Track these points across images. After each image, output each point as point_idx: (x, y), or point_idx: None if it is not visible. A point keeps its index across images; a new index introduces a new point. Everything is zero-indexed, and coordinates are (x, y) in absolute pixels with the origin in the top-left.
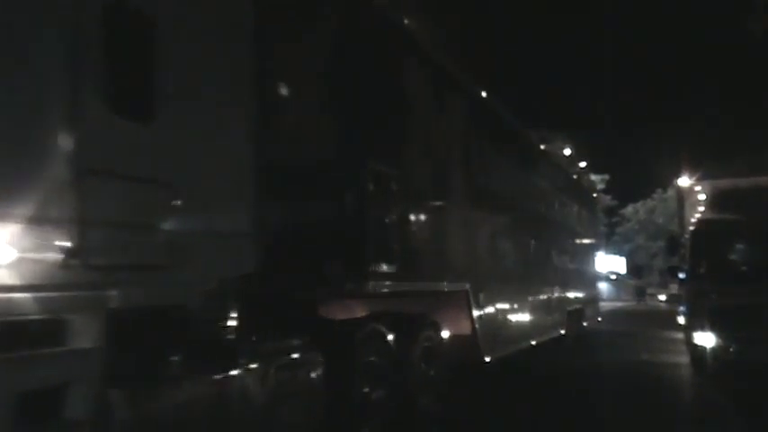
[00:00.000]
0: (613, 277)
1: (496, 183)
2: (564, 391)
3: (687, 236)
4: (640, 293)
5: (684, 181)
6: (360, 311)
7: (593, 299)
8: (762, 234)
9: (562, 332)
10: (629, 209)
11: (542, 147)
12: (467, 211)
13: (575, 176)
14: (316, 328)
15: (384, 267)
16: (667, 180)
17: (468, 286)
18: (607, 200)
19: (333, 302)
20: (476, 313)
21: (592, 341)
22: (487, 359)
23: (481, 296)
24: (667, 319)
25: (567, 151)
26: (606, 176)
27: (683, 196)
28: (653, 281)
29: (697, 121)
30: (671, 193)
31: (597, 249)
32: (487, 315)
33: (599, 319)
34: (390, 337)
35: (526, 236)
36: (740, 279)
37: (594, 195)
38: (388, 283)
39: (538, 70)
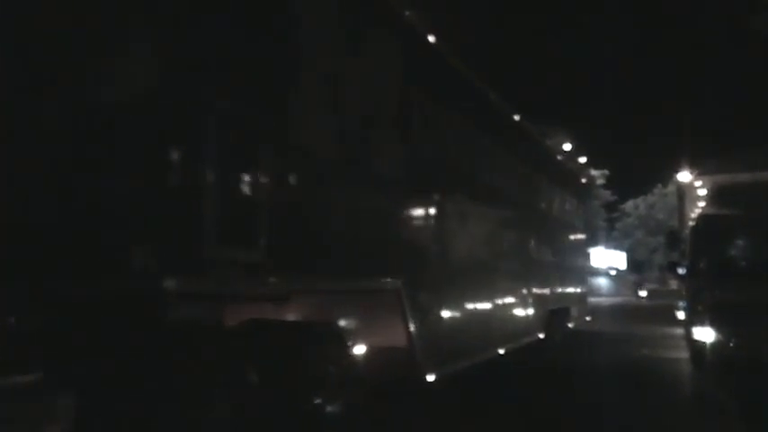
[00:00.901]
0: (613, 273)
1: (451, 152)
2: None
3: (687, 231)
4: (637, 289)
5: (685, 176)
6: (192, 321)
7: (582, 296)
8: (762, 230)
9: (541, 336)
10: (629, 204)
11: (516, 117)
12: (402, 186)
13: (560, 158)
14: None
15: (238, 255)
16: (667, 176)
17: (400, 283)
18: (607, 195)
19: (137, 308)
20: (413, 318)
21: (575, 345)
22: (431, 377)
23: (422, 295)
24: (665, 315)
25: (568, 146)
26: (606, 172)
27: (683, 192)
28: (652, 276)
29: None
30: (671, 188)
31: (588, 241)
32: (432, 320)
33: (587, 318)
34: (243, 360)
35: (491, 221)
36: (740, 275)
37: (585, 182)
38: (249, 278)
39: (537, 65)
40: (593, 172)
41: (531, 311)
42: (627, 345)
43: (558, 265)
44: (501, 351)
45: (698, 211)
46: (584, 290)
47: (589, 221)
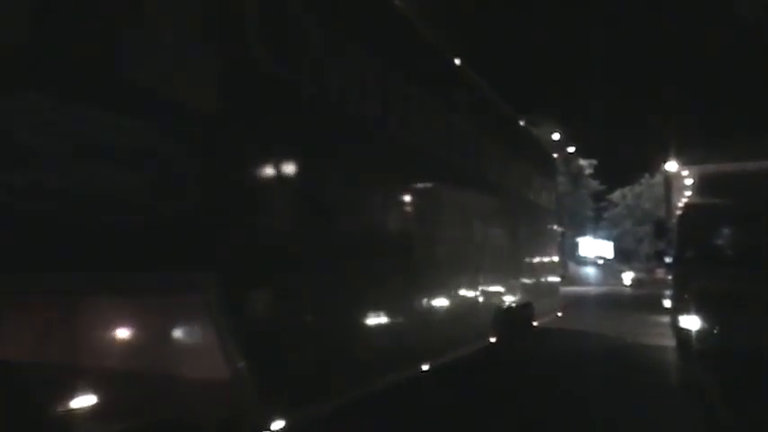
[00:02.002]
0: (600, 262)
1: (328, 78)
2: None
3: (674, 220)
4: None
5: (672, 166)
6: None
7: (550, 288)
8: (747, 219)
9: (491, 340)
10: (617, 194)
11: (458, 62)
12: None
13: (521, 123)
14: None
15: None
16: (654, 165)
17: (212, 280)
18: (595, 185)
19: None
20: (238, 332)
21: (537, 349)
22: (277, 426)
23: (257, 297)
24: (652, 304)
25: (556, 136)
26: (594, 162)
27: (670, 181)
28: (639, 265)
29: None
30: (658, 178)
31: (556, 224)
32: (278, 333)
33: (559, 314)
34: None
35: (401, 190)
36: (726, 263)
37: (554, 156)
38: None
39: (526, 54)
40: (582, 162)
41: (474, 311)
42: (602, 348)
43: (517, 251)
44: (424, 367)
45: (684, 200)
46: (553, 280)
47: (555, 199)
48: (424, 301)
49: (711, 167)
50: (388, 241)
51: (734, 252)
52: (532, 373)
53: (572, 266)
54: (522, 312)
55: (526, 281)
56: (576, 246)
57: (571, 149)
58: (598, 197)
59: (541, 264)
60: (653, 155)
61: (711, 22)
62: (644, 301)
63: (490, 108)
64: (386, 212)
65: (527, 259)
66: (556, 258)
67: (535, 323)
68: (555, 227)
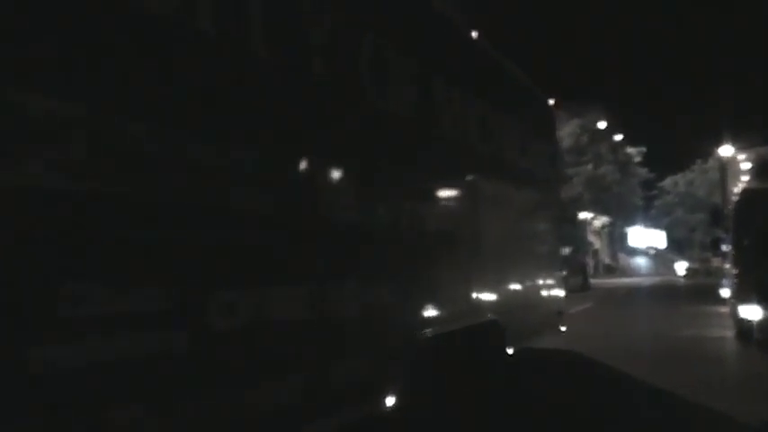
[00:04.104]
0: (652, 252)
1: None
2: None
3: (730, 207)
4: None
5: (726, 150)
6: None
7: (544, 296)
8: None
9: (387, 402)
10: (668, 181)
11: None
12: None
13: (508, 71)
14: None
15: None
16: (707, 151)
17: None
18: (644, 173)
19: None
20: None
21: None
22: None
23: None
24: (708, 295)
25: (603, 124)
26: (643, 149)
27: (725, 166)
28: (693, 255)
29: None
30: (711, 163)
31: (556, 207)
32: None
33: (561, 327)
34: None
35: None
36: None
37: (551, 105)
38: None
39: (574, 42)
40: (630, 149)
41: (363, 348)
42: (655, 346)
43: (473, 240)
44: None
45: (741, 185)
46: (550, 282)
47: (554, 175)
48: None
49: None
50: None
51: None
52: None
53: (622, 257)
54: (474, 340)
55: (491, 287)
56: (625, 236)
57: (618, 137)
58: (648, 185)
59: (527, 259)
60: (705, 140)
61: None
62: (699, 291)
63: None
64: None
65: (497, 253)
66: (556, 250)
67: (509, 350)
68: (554, 205)
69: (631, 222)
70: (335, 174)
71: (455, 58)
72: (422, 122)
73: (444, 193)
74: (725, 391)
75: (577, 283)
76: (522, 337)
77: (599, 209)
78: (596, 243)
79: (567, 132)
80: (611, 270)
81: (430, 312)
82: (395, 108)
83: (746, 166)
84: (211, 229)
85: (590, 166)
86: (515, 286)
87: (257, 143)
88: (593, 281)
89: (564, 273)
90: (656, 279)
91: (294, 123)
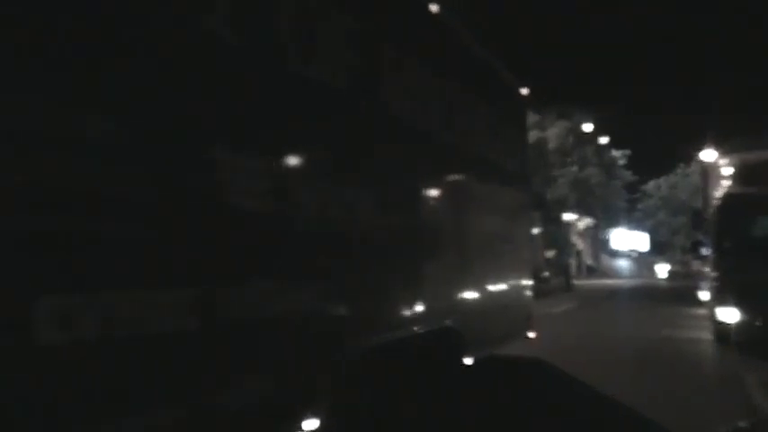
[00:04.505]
0: (634, 254)
1: None
2: None
3: (711, 211)
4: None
5: (708, 155)
6: None
7: (506, 300)
8: None
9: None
10: (651, 184)
11: None
12: None
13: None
14: None
15: None
16: (690, 155)
17: None
18: (628, 175)
19: None
20: None
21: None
22: None
23: None
24: (688, 297)
25: (589, 126)
26: (628, 152)
27: (707, 171)
28: (674, 257)
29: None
30: (694, 167)
31: (525, 202)
32: None
33: (531, 334)
34: None
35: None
36: (766, 254)
37: (524, 94)
38: None
39: (558, 44)
40: (615, 152)
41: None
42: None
43: (445, 242)
44: None
45: (722, 189)
46: (520, 285)
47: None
48: None
49: (751, 156)
50: None
51: None
52: None
53: (605, 259)
54: (423, 350)
55: (448, 290)
56: (609, 238)
57: (604, 140)
58: (632, 188)
59: (491, 259)
60: (688, 144)
61: (752, 7)
62: (679, 293)
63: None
64: None
65: (455, 251)
66: (526, 249)
67: (467, 360)
68: (524, 198)
69: (615, 224)
70: (236, 151)
71: (404, 22)
72: (359, 95)
73: (390, 178)
74: (699, 391)
75: (560, 283)
76: (484, 345)
77: (583, 211)
78: (580, 244)
79: (553, 134)
80: (592, 271)
81: (367, 318)
82: (322, 75)
83: (728, 170)
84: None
85: (575, 168)
86: (477, 289)
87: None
88: (575, 282)
89: (547, 274)
90: (638, 281)
91: (175, 86)
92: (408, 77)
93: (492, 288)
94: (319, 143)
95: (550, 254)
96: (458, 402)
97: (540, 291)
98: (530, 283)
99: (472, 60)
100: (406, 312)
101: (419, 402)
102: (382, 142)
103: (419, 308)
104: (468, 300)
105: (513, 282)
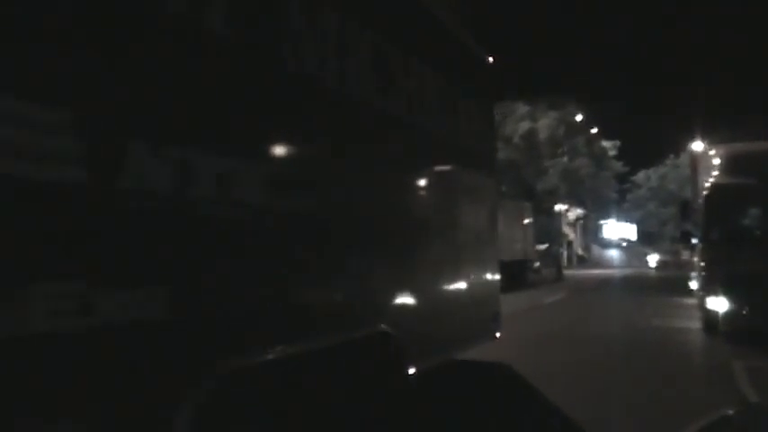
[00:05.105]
0: (624, 244)
1: None
2: None
3: (700, 201)
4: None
5: (698, 146)
6: None
7: (465, 298)
8: None
9: None
10: (641, 175)
11: None
12: None
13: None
14: None
15: None
16: (680, 146)
17: None
18: (618, 166)
19: None
20: None
21: None
22: None
23: None
24: (678, 286)
25: (579, 117)
26: (618, 142)
27: (696, 161)
28: (664, 248)
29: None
30: (683, 158)
31: (490, 185)
32: None
33: (497, 334)
34: None
35: None
36: (754, 244)
37: (490, 62)
38: None
39: (549, 36)
40: (605, 143)
41: None
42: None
43: (384, 229)
44: None
45: (711, 180)
46: (484, 280)
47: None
48: None
49: (739, 147)
50: None
51: (762, 232)
52: None
53: (595, 249)
54: (344, 362)
55: (387, 287)
56: (599, 228)
57: (594, 131)
58: (622, 179)
59: (446, 249)
60: (678, 135)
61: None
62: (669, 283)
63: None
64: None
65: (397, 241)
66: (491, 238)
67: (411, 370)
68: (487, 180)
69: (605, 215)
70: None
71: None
72: (258, 47)
73: (305, 147)
74: (686, 378)
75: (551, 273)
76: (437, 350)
77: (574, 201)
78: (570, 235)
79: (544, 124)
80: (583, 261)
81: (262, 326)
82: (203, 23)
83: (716, 161)
84: None
85: (565, 159)
86: (424, 285)
87: None
88: (566, 272)
89: (537, 264)
90: (628, 271)
91: None
92: (332, 35)
93: (445, 284)
94: (183, 100)
95: (542, 247)
96: (387, 420)
97: (530, 281)
98: (496, 277)
99: (413, 11)
100: (329, 317)
101: (335, 422)
102: (292, 106)
103: (346, 312)
104: (412, 298)
105: (474, 276)
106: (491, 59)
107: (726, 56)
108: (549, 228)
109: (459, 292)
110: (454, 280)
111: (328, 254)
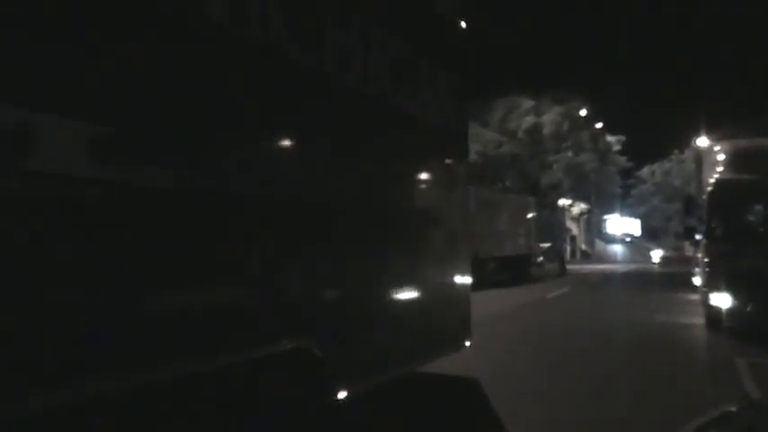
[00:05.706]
0: (628, 239)
1: None
2: None
3: (705, 197)
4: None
5: (703, 141)
6: None
7: (423, 303)
8: None
9: None
10: (645, 171)
11: None
12: None
13: None
14: None
15: None
16: (685, 141)
17: None
18: (623, 161)
19: None
20: None
21: None
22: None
23: None
24: (681, 282)
25: (584, 112)
26: (622, 137)
27: (701, 157)
28: (668, 243)
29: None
30: (688, 154)
31: (457, 167)
32: None
33: (466, 343)
34: None
35: None
36: (758, 240)
37: (454, 33)
38: None
39: (554, 29)
40: (610, 138)
41: None
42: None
43: (308, 220)
44: None
45: (716, 176)
46: (448, 281)
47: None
48: None
49: (744, 142)
50: None
51: (766, 229)
52: None
53: (599, 244)
54: (239, 390)
55: (312, 292)
56: (603, 223)
57: (599, 125)
58: (626, 174)
59: (396, 245)
60: (683, 131)
61: None
62: (673, 278)
63: None
64: None
65: (327, 234)
66: (456, 230)
67: (342, 394)
68: (455, 165)
69: (609, 210)
70: None
71: None
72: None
73: (211, 115)
74: (689, 375)
75: (555, 268)
76: (376, 370)
77: (578, 196)
78: (574, 229)
79: (548, 119)
80: (586, 256)
81: (125, 346)
82: None
83: (721, 157)
84: None
85: (570, 154)
86: (365, 290)
87: None
88: (569, 267)
89: (541, 259)
90: (631, 266)
91: None
92: None
93: (394, 287)
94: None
95: (546, 245)
96: None
97: (534, 276)
98: (466, 279)
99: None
100: (227, 332)
101: None
102: (196, 65)
103: (254, 324)
104: (345, 305)
105: (436, 278)
106: (464, 24)
107: (732, 51)
108: (552, 223)
109: (413, 297)
110: (408, 282)
111: (257, 261)
